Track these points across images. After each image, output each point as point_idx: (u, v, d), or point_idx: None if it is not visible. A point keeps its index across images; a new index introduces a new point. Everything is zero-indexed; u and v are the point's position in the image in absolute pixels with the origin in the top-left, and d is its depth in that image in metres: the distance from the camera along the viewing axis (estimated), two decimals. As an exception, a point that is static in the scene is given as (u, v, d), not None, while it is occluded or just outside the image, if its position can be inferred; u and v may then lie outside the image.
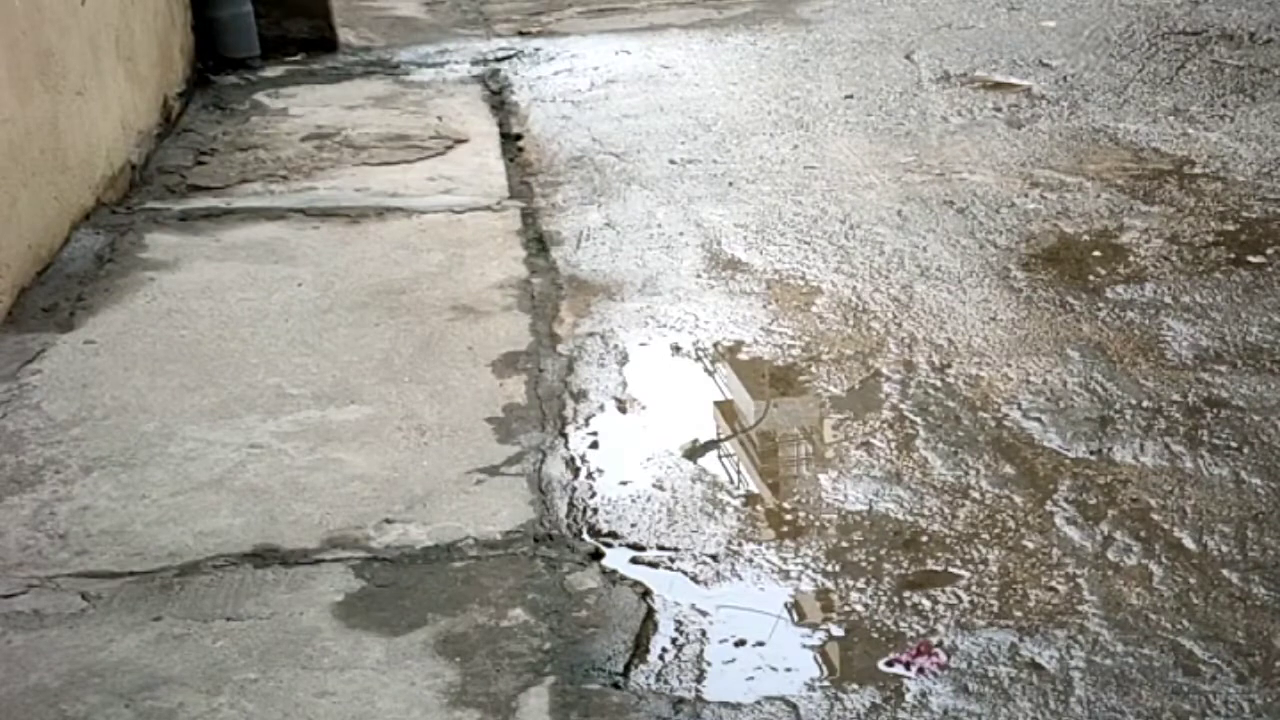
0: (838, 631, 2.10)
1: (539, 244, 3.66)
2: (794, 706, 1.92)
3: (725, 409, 2.87)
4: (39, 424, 2.72)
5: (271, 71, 5.48)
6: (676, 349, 3.07)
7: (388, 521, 2.37)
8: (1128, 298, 3.19)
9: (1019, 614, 2.10)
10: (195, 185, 4.15)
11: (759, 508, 2.45)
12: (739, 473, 2.60)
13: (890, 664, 2.01)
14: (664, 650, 2.05)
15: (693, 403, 2.87)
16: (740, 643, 2.08)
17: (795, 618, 2.15)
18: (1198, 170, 4.01)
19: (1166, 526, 2.31)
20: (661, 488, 2.50)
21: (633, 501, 2.45)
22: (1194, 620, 2.07)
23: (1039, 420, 2.67)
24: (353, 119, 4.80)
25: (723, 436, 2.76)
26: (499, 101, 5.09)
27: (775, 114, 4.76)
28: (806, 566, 2.25)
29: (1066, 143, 4.31)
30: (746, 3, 6.50)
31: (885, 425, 2.68)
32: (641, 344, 3.09)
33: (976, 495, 2.43)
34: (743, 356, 3.02)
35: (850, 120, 4.65)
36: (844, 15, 6.16)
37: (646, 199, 3.99)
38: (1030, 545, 2.28)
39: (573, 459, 2.59)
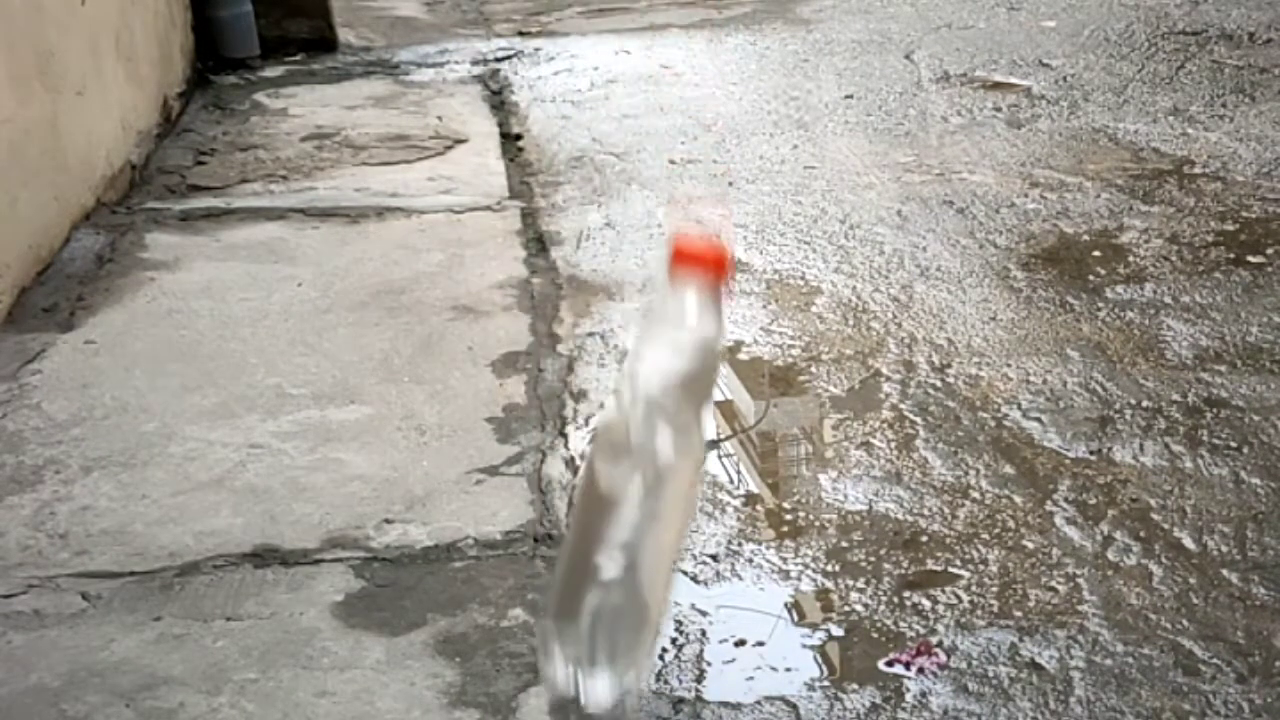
0: (838, 631, 2.10)
1: (539, 244, 3.66)
2: (794, 706, 1.93)
3: (725, 409, 2.87)
4: (39, 424, 2.72)
5: (271, 71, 5.48)
6: (676, 349, 3.07)
7: (388, 521, 2.37)
8: (1128, 298, 3.19)
9: (1019, 614, 2.10)
10: (195, 185, 4.15)
11: (759, 508, 2.45)
12: (739, 473, 2.60)
13: (890, 664, 2.01)
14: (664, 650, 2.05)
15: (693, 403, 2.87)
16: (740, 643, 2.08)
17: (795, 618, 2.15)
18: (1197, 170, 4.01)
19: (1166, 526, 2.31)
20: (661, 488, 2.49)
21: (633, 501, 2.45)
22: (1194, 620, 2.08)
23: (1039, 420, 2.67)
24: (353, 119, 4.80)
25: (723, 436, 2.76)
26: (499, 101, 5.09)
27: (775, 114, 4.76)
28: (806, 566, 2.25)
29: (1066, 143, 4.31)
30: (746, 3, 6.50)
31: (885, 425, 2.68)
32: (641, 344, 3.08)
33: (976, 495, 2.43)
34: (743, 356, 3.03)
35: (850, 120, 4.65)
36: (844, 15, 6.16)
37: (646, 199, 3.99)
38: (1030, 545, 2.28)
39: (573, 459, 2.59)
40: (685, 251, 1.18)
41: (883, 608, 2.13)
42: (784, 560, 2.27)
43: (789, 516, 2.41)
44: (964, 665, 1.99)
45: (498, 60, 5.67)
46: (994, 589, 2.16)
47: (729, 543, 2.32)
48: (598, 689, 1.10)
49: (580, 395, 2.84)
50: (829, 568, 2.24)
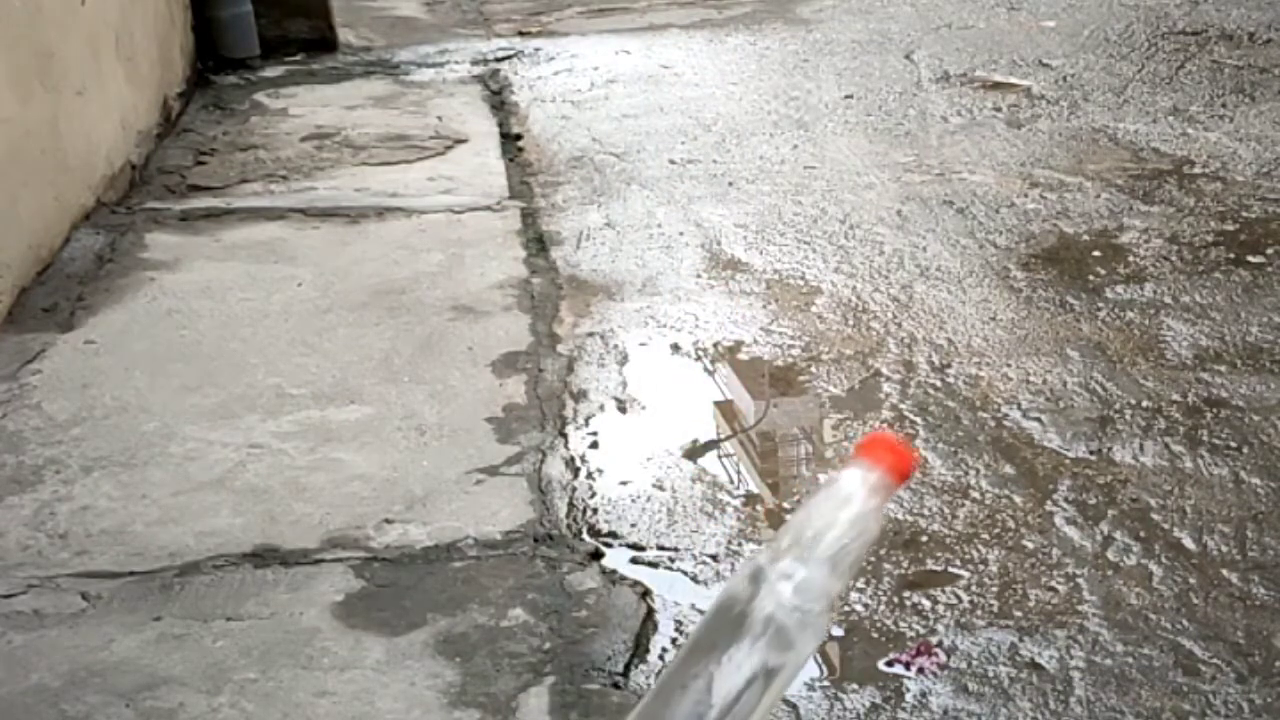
0: (838, 631, 2.10)
1: (539, 244, 3.66)
2: (794, 707, 1.92)
3: (725, 409, 2.87)
4: (39, 424, 2.72)
5: (271, 71, 5.48)
6: (676, 349, 3.07)
7: (388, 521, 2.37)
8: (1128, 298, 3.19)
9: (1019, 614, 2.10)
10: (195, 185, 4.15)
11: (759, 508, 2.45)
12: (739, 473, 2.60)
13: (890, 664, 2.01)
14: (664, 650, 2.05)
15: (693, 403, 2.87)
16: (740, 643, 2.08)
17: (795, 618, 2.15)
18: (1197, 170, 4.01)
19: (1166, 526, 2.31)
20: (661, 488, 2.50)
21: (633, 501, 2.45)
22: (1194, 620, 2.07)
23: (1039, 420, 2.67)
24: (353, 119, 4.80)
25: (723, 436, 2.76)
26: (499, 101, 5.09)
27: (775, 114, 4.76)
28: (806, 566, 2.25)
29: (1066, 143, 4.31)
30: (746, 3, 6.50)
31: (885, 425, 2.68)
32: (641, 344, 3.09)
33: (976, 495, 2.43)
34: (743, 356, 3.03)
35: (850, 120, 4.65)
36: (844, 15, 6.16)
37: (646, 199, 4.00)
38: (1030, 545, 2.28)
39: (573, 459, 2.59)
40: (881, 442, 1.25)
41: (883, 608, 2.13)
42: (784, 560, 2.26)
43: (789, 516, 2.40)
44: (964, 665, 1.99)
45: (498, 60, 5.67)
46: (994, 589, 2.16)
47: (729, 543, 2.32)
48: None
49: (580, 395, 2.84)
50: (829, 568, 2.24)
